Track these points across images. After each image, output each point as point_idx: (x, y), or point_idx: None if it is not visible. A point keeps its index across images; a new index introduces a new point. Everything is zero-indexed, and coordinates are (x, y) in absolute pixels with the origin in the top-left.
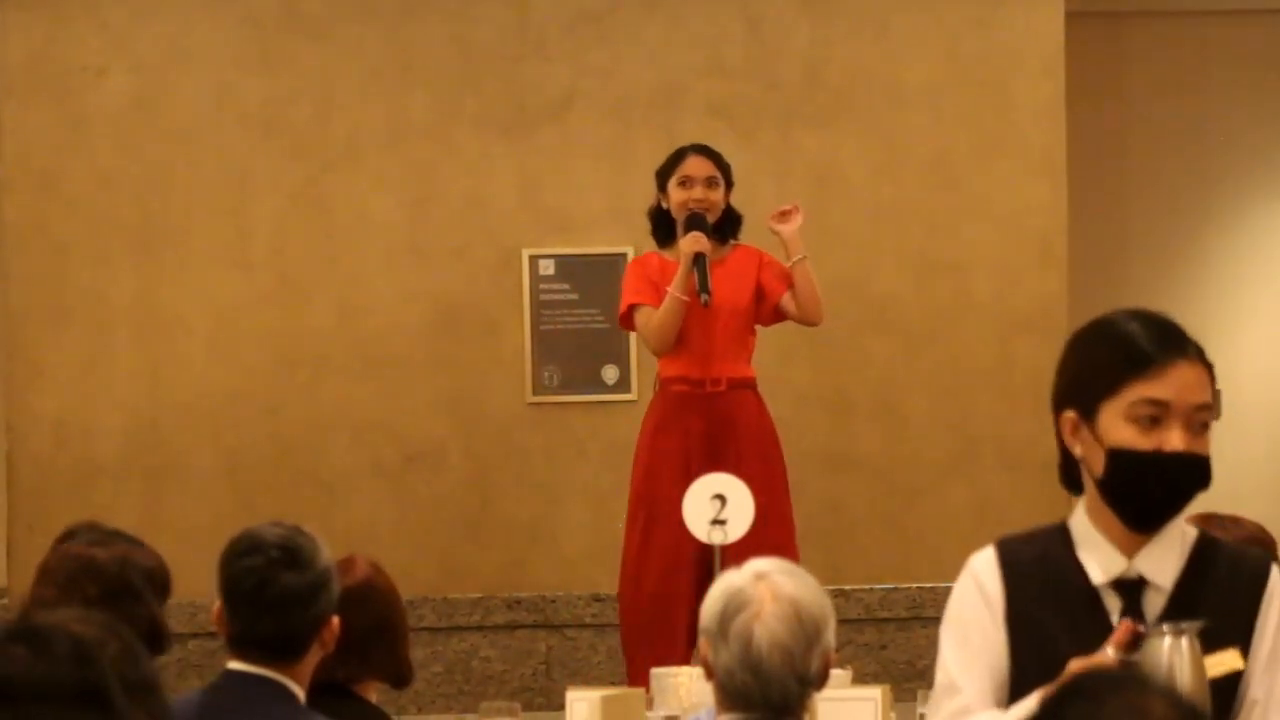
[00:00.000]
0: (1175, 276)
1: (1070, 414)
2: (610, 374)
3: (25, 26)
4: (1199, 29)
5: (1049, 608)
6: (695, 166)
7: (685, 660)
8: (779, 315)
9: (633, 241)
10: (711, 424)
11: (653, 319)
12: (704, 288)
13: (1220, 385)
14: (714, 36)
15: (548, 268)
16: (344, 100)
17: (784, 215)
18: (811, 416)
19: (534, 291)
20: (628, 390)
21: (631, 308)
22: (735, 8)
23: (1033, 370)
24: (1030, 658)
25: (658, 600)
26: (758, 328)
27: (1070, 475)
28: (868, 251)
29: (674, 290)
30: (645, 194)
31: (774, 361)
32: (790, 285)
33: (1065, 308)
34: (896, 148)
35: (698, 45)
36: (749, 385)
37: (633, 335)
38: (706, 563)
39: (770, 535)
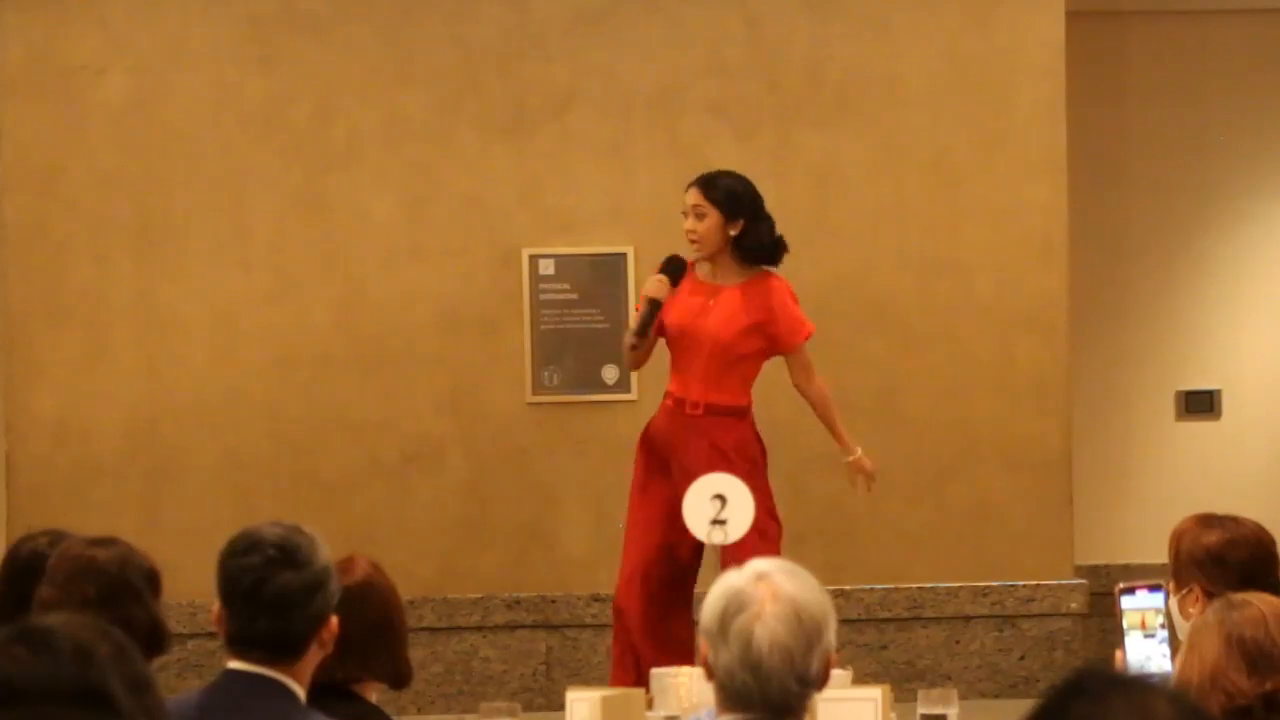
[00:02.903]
0: (1175, 276)
1: None
2: (610, 374)
3: (25, 26)
4: (1199, 29)
5: None
6: (687, 197)
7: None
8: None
9: (633, 241)
10: (672, 443)
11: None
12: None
13: (1220, 385)
14: (714, 36)
15: (548, 268)
16: (343, 100)
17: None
18: (812, 417)
19: (534, 291)
20: (628, 390)
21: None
22: (735, 8)
23: (1033, 369)
24: None
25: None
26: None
27: None
28: (868, 251)
29: (631, 326)
30: (645, 194)
31: (774, 362)
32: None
33: (1065, 307)
34: (896, 148)
35: (698, 45)
36: (729, 411)
37: None
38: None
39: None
